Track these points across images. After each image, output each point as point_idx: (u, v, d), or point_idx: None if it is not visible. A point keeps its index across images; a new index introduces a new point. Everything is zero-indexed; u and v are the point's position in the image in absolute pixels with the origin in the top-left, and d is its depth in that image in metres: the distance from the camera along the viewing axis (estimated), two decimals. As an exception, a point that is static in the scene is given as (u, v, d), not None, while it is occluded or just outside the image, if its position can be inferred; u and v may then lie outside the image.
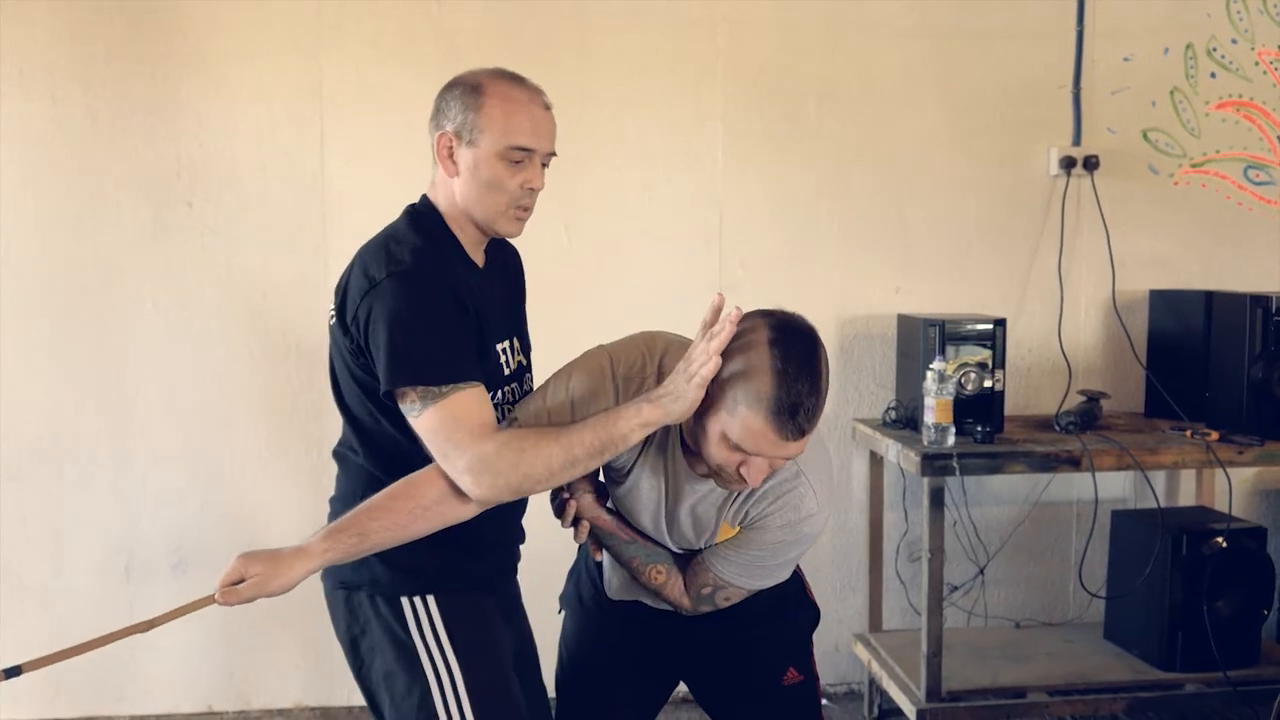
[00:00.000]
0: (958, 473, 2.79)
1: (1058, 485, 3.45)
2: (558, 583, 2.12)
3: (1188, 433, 3.01)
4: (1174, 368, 3.30)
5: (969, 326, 3.02)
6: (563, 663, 2.02)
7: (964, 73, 3.38)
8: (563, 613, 2.07)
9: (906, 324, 3.22)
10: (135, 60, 3.11)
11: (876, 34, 3.34)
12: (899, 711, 3.12)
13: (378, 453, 1.80)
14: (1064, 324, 3.43)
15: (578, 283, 3.29)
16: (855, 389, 3.43)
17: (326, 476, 2.12)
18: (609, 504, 1.84)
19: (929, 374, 2.86)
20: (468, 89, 1.75)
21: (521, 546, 1.98)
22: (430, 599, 1.78)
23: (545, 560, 2.16)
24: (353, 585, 1.80)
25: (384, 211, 3.13)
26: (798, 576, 1.97)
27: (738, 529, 1.75)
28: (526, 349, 1.96)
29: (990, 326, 3.02)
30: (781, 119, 3.33)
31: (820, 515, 1.73)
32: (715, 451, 1.58)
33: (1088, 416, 3.10)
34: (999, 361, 3.02)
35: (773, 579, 1.82)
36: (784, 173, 3.35)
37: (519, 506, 1.89)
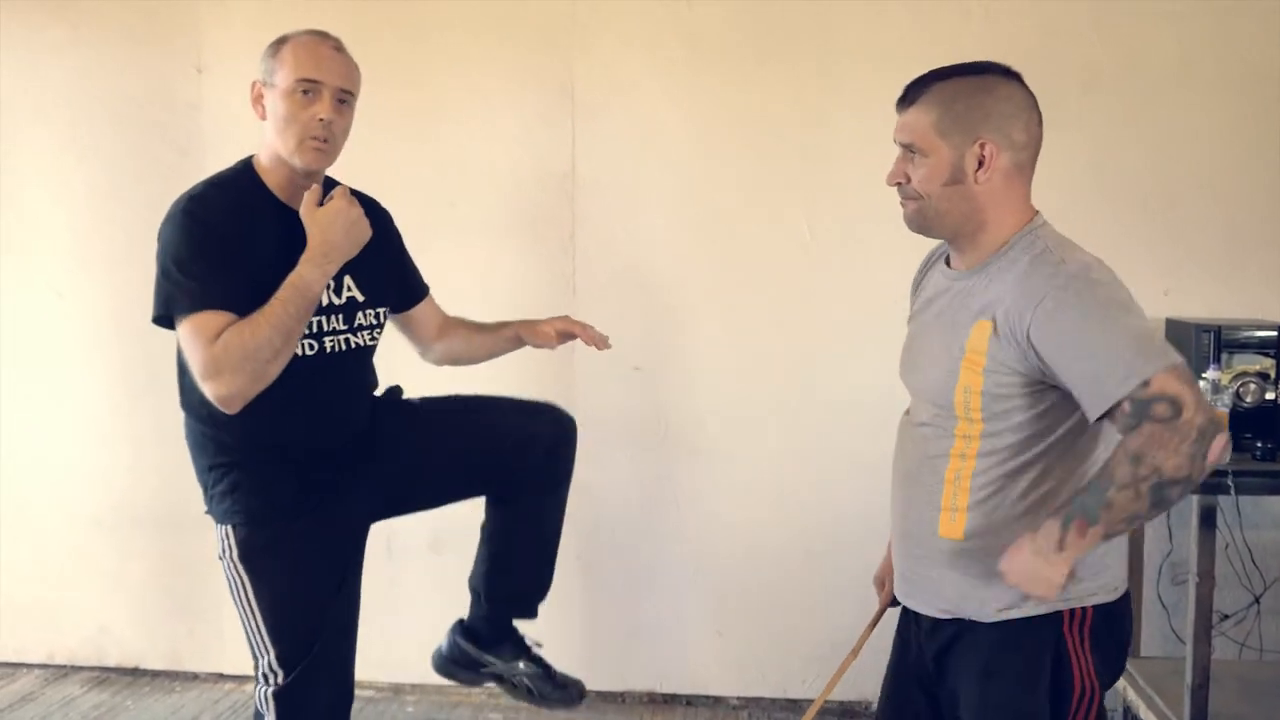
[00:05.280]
0: (1232, 492, 2.57)
1: (1351, 511, 3.11)
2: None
3: None
4: None
5: (1248, 333, 2.80)
6: None
7: (1249, 50, 3.09)
8: None
9: (1176, 329, 2.99)
10: (398, 73, 3.31)
11: (1145, 14, 3.11)
12: (1157, 744, 2.90)
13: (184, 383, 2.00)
14: (1364, 331, 3.08)
15: (818, 278, 3.24)
16: (1115, 397, 3.21)
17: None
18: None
19: (1201, 384, 2.65)
20: (274, 43, 1.99)
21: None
22: (229, 529, 2.00)
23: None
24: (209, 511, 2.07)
25: (630, 208, 3.18)
26: None
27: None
28: (364, 286, 2.08)
29: (1274, 333, 2.79)
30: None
31: (1081, 262, 1.72)
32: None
33: (1391, 436, 2.78)
34: (1284, 372, 2.78)
35: (1114, 349, 1.61)
36: (1040, 166, 3.15)
37: (327, 432, 2.04)
